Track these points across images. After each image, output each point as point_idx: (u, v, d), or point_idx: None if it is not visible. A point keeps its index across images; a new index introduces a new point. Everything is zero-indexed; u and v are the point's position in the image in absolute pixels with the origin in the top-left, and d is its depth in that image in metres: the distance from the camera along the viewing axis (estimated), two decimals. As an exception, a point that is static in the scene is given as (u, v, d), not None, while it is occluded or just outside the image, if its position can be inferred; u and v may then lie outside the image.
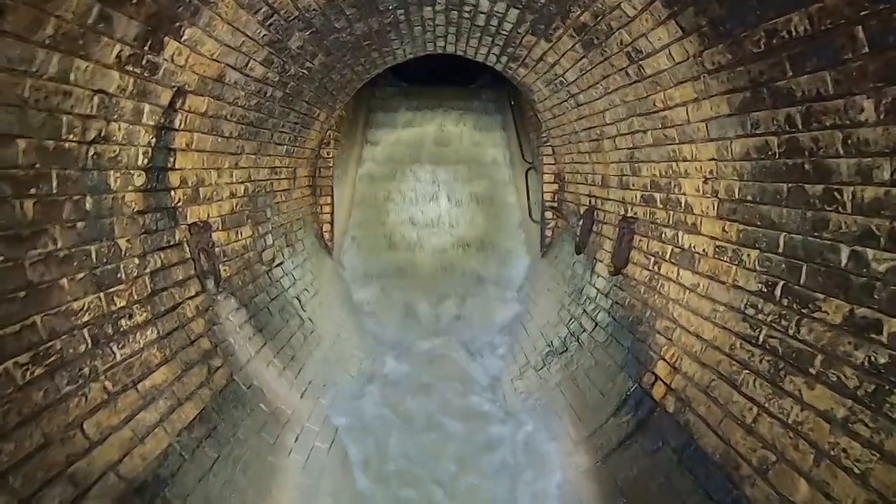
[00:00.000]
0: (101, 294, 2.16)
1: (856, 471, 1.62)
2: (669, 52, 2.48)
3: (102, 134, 2.10)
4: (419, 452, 3.34)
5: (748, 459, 2.07)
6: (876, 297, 1.61)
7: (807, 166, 1.87)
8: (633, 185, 3.57)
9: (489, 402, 4.04)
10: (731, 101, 2.22)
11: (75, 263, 2.01)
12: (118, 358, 2.19)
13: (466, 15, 3.85)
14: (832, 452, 1.71)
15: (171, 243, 2.76)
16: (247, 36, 2.79)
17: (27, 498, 1.64)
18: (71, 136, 1.92)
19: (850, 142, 1.65)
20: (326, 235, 5.90)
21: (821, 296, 1.84)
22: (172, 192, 2.77)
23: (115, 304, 2.24)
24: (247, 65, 3.00)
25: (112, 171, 2.23)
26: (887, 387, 1.55)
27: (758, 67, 1.97)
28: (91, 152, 2.06)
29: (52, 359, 1.85)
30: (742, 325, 2.29)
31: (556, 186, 5.74)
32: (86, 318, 2.04)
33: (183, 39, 2.35)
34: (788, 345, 1.99)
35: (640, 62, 2.77)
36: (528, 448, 3.42)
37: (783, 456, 1.91)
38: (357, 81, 5.11)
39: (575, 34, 3.18)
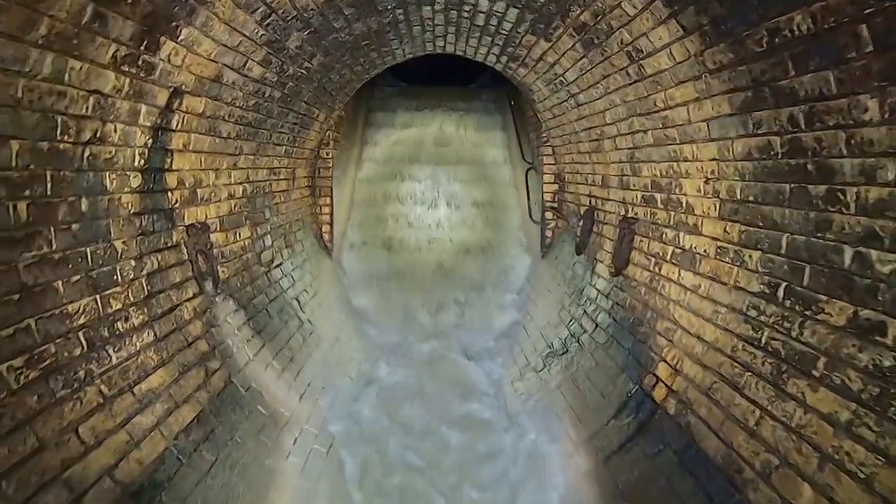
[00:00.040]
0: (97, 296, 2.14)
1: (860, 475, 1.60)
2: (670, 52, 2.46)
3: (98, 135, 2.08)
4: (418, 461, 3.27)
5: (751, 463, 2.04)
6: (880, 298, 1.59)
7: (809, 166, 1.85)
8: (634, 185, 3.55)
9: (490, 408, 3.97)
10: (733, 101, 2.20)
11: (70, 266, 1.99)
12: (114, 361, 2.17)
13: (466, 14, 3.83)
14: (836, 456, 1.69)
15: (169, 245, 2.74)
16: (244, 36, 2.77)
17: (21, 503, 1.62)
18: (65, 138, 1.90)
19: (853, 142, 1.63)
20: (326, 236, 5.88)
21: (824, 297, 1.82)
22: (169, 194, 2.75)
23: (111, 307, 2.22)
24: (245, 65, 2.98)
25: (108, 173, 2.21)
26: (892, 390, 1.53)
27: (760, 66, 1.95)
28: (86, 153, 2.04)
29: (47, 362, 1.83)
30: (744, 327, 2.27)
31: (556, 187, 5.72)
32: (81, 321, 2.02)
33: (179, 39, 2.33)
34: (791, 347, 1.96)
35: (641, 61, 2.75)
36: (531, 457, 3.35)
37: (786, 459, 1.89)
38: (356, 82, 5.09)
39: (575, 33, 3.16)
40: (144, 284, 2.48)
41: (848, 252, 1.71)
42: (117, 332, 2.24)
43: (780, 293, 2.05)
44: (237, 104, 3.18)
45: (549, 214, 5.83)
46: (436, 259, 6.26)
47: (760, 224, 2.18)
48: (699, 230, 2.71)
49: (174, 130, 2.65)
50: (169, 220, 2.75)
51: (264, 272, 4.05)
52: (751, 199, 2.24)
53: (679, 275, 2.89)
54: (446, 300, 5.80)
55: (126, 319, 2.31)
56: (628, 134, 3.40)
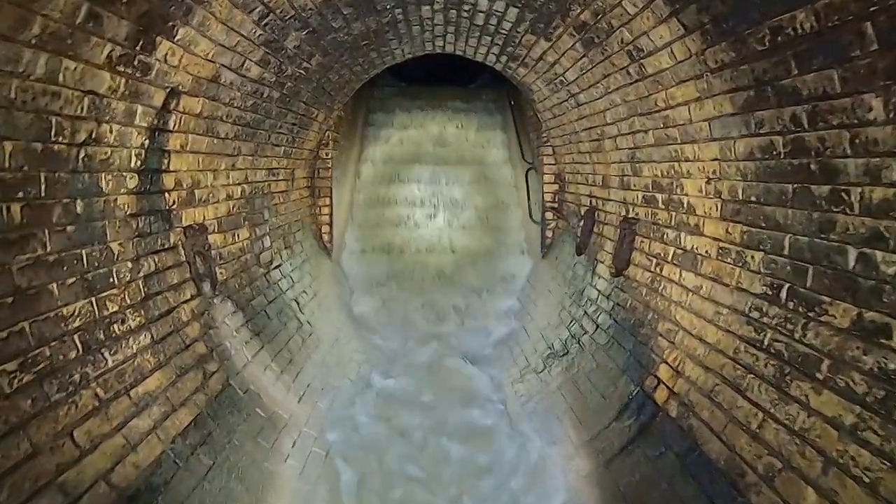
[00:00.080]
0: (93, 299, 2.12)
1: (865, 480, 1.57)
2: (671, 51, 2.43)
3: (93, 136, 2.06)
4: (417, 471, 3.20)
5: (753, 466, 2.02)
6: (885, 300, 1.56)
7: (813, 166, 1.82)
8: (635, 185, 3.52)
9: (490, 414, 3.88)
10: (735, 100, 2.18)
11: (65, 268, 1.97)
12: (110, 364, 2.15)
13: (465, 14, 3.81)
14: (840, 460, 1.67)
15: (166, 246, 2.72)
16: (242, 36, 2.75)
17: (15, 509, 1.60)
18: (60, 139, 1.88)
19: (857, 141, 1.61)
20: (325, 237, 5.86)
21: (828, 299, 1.80)
22: (167, 195, 2.73)
23: (108, 309, 2.20)
24: (242, 65, 2.96)
25: (104, 174, 2.19)
26: (898, 393, 1.51)
27: (762, 65, 1.93)
28: (81, 154, 2.02)
29: (41, 366, 1.81)
30: (746, 329, 2.24)
31: (556, 187, 5.70)
32: (76, 324, 2.00)
33: (176, 39, 2.31)
34: (794, 349, 1.94)
35: (642, 61, 2.73)
36: (531, 461, 3.30)
37: (790, 463, 1.86)
38: (356, 82, 5.07)
39: (575, 33, 3.13)
40: (141, 286, 2.46)
41: (852, 253, 1.69)
42: (113, 335, 2.22)
43: (783, 294, 2.03)
44: (235, 104, 3.16)
45: (549, 215, 5.81)
46: (436, 261, 6.23)
47: (763, 225, 2.16)
48: (701, 231, 2.68)
49: (171, 131, 2.63)
50: (166, 221, 2.73)
51: (263, 273, 4.03)
52: (753, 199, 2.22)
53: (680, 276, 2.87)
54: (446, 302, 5.77)
55: (122, 322, 2.29)
56: (629, 134, 3.37)
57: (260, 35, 2.88)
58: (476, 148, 6.76)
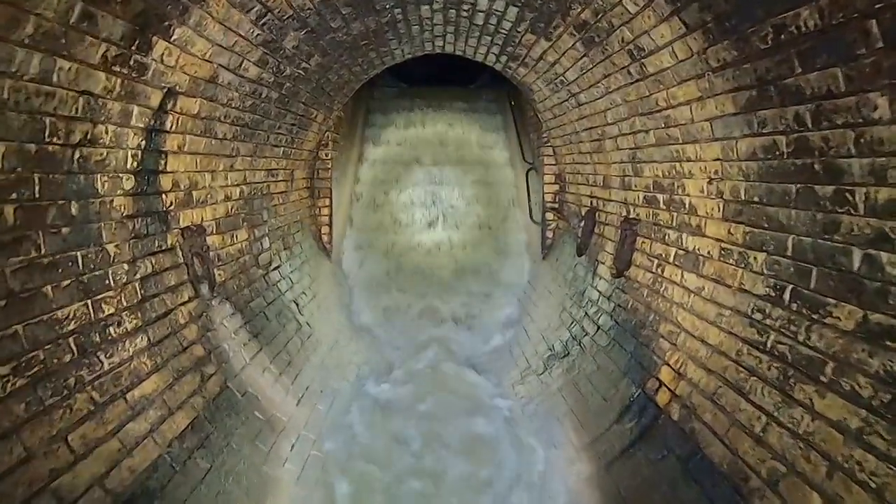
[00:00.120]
0: (89, 301, 2.10)
1: (871, 485, 1.55)
2: (672, 50, 2.41)
3: (88, 137, 2.04)
4: (416, 482, 3.15)
5: (757, 471, 1.99)
6: (891, 302, 1.54)
7: (817, 166, 1.80)
8: (636, 185, 3.50)
9: (491, 420, 3.82)
10: (737, 100, 2.15)
11: (60, 270, 1.95)
12: (106, 367, 2.13)
13: (465, 13, 3.79)
14: (846, 465, 1.64)
15: (163, 248, 2.69)
16: (240, 36, 2.73)
17: (7, 515, 1.58)
18: (54, 140, 1.86)
19: (862, 141, 1.58)
20: (325, 238, 5.84)
21: (832, 301, 1.77)
22: (164, 196, 2.71)
23: (103, 312, 2.18)
24: (240, 65, 2.94)
25: (99, 175, 2.17)
26: (904, 397, 1.48)
27: (765, 64, 1.90)
28: (76, 155, 2.00)
29: (35, 369, 1.78)
30: (749, 331, 2.22)
31: (557, 187, 5.67)
32: (71, 327, 1.98)
33: (172, 39, 2.29)
34: (798, 351, 1.92)
35: (643, 60, 2.70)
36: (532, 465, 3.28)
37: (794, 468, 1.84)
38: (355, 82, 5.05)
39: (575, 32, 3.11)
40: (138, 288, 2.44)
41: (857, 254, 1.66)
42: (109, 338, 2.19)
43: (787, 296, 2.01)
44: (233, 105, 3.14)
45: (549, 215, 5.79)
46: (436, 261, 6.21)
47: (766, 225, 2.14)
48: (702, 231, 2.66)
49: (168, 132, 2.61)
50: (163, 222, 2.71)
51: (262, 275, 4.01)
52: (755, 199, 2.19)
53: (682, 277, 2.85)
54: (446, 304, 5.75)
55: (119, 324, 2.27)
56: (630, 134, 3.35)
57: (258, 35, 2.86)
58: (476, 149, 6.74)
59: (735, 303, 2.34)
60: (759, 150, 2.10)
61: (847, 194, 1.68)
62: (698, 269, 2.69)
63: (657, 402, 2.77)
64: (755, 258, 2.22)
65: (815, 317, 1.85)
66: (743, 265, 2.30)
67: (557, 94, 4.22)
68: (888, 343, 1.55)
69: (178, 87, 2.52)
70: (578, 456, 3.11)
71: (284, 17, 2.93)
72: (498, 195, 6.52)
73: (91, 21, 1.81)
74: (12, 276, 1.72)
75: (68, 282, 1.99)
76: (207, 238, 3.15)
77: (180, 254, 2.85)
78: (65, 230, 1.97)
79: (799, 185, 1.91)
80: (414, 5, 3.65)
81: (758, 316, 2.17)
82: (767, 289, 2.13)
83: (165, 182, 2.71)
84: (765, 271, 2.15)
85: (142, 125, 2.37)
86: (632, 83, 2.96)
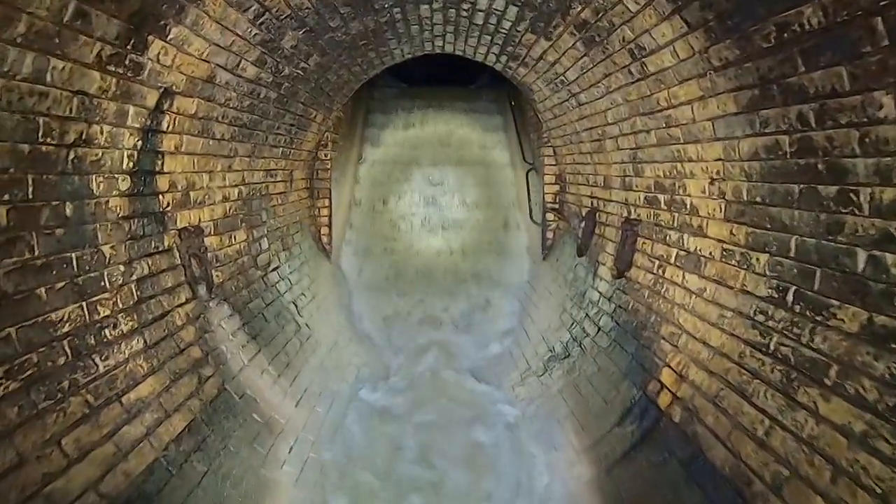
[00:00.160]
0: (84, 303, 2.07)
1: (877, 490, 1.52)
2: (674, 49, 2.39)
3: (83, 137, 2.02)
4: (414, 486, 3.14)
5: (760, 475, 1.97)
6: (897, 304, 1.51)
7: (820, 166, 1.77)
8: (637, 186, 3.47)
9: (491, 425, 3.78)
10: (739, 99, 2.13)
11: (54, 272, 1.92)
12: (101, 370, 2.11)
13: (465, 13, 3.77)
14: (850, 469, 1.62)
15: (160, 249, 2.67)
16: (237, 35, 2.70)
17: (-1, 521, 1.56)
18: (48, 140, 1.84)
19: (867, 140, 1.56)
20: (324, 239, 5.82)
21: (836, 303, 1.75)
22: (160, 197, 2.69)
23: (99, 314, 2.16)
24: (238, 65, 2.92)
25: (94, 176, 2.14)
26: (910, 401, 1.46)
27: (767, 63, 1.88)
28: (71, 156, 1.98)
29: (29, 373, 1.76)
30: (752, 333, 2.19)
31: (557, 188, 5.65)
32: (66, 329, 1.96)
33: (169, 38, 2.27)
34: (801, 354, 1.89)
35: (643, 59, 2.68)
36: (532, 467, 3.25)
37: (798, 472, 1.81)
38: (354, 82, 5.03)
39: (576, 31, 3.09)
40: (134, 290, 2.42)
41: (861, 255, 1.64)
42: (105, 340, 2.17)
43: (790, 297, 1.98)
44: (231, 105, 3.12)
45: (550, 216, 5.76)
46: (436, 262, 6.19)
47: (768, 226, 2.11)
48: (704, 232, 2.63)
49: (165, 132, 2.59)
50: (160, 223, 2.69)
51: (260, 276, 3.98)
52: (758, 200, 2.17)
53: (683, 278, 2.82)
54: (446, 304, 5.72)
55: (114, 326, 2.25)
56: (630, 134, 3.32)
57: (256, 34, 2.84)
58: (476, 149, 6.72)
59: (737, 304, 2.32)
60: (762, 149, 2.08)
61: (851, 194, 1.66)
62: (700, 271, 2.66)
63: (658, 404, 2.75)
64: (757, 259, 2.19)
65: (818, 319, 1.82)
66: (745, 266, 2.28)
67: (558, 94, 4.19)
68: (893, 346, 1.52)
69: (174, 87, 2.50)
70: (579, 459, 3.09)
71: (282, 17, 2.91)
72: (498, 196, 6.50)
73: (85, 20, 1.79)
74: (5, 277, 1.70)
75: (63, 283, 1.96)
76: (205, 239, 3.13)
77: (177, 255, 2.83)
78: (59, 231, 1.95)
79: (802, 186, 1.88)
80: (413, 5, 3.63)
81: (760, 318, 2.15)
82: (770, 290, 2.10)
83: (162, 183, 2.69)
84: (767, 272, 2.13)
85: (138, 125, 2.35)
86: (632, 83, 2.94)
